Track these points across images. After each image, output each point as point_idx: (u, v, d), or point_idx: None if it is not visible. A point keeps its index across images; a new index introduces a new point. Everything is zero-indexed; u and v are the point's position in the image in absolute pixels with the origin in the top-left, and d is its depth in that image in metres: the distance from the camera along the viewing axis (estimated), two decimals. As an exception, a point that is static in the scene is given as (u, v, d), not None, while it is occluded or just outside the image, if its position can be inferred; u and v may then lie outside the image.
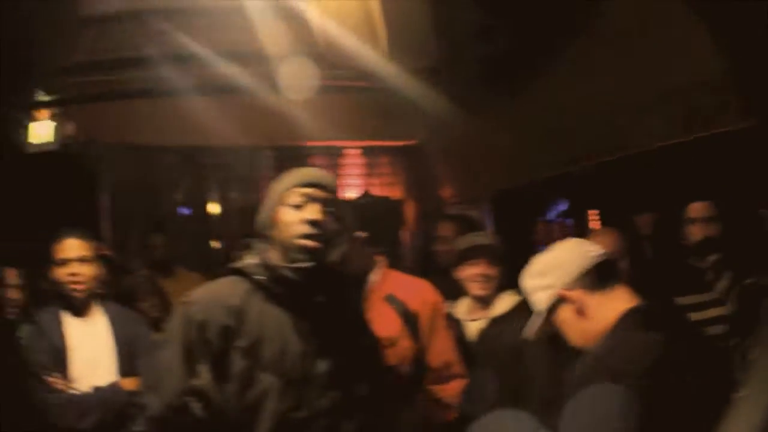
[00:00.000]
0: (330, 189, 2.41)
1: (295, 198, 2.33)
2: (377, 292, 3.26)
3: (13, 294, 3.99)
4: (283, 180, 2.41)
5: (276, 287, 2.30)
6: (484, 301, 3.68)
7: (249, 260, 2.38)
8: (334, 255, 2.38)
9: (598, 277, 2.28)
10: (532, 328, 2.43)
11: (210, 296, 2.29)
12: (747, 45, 1.72)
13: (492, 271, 3.62)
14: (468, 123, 5.76)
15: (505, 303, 3.65)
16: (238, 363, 2.18)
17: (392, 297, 3.24)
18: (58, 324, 3.50)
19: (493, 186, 5.83)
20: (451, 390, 3.21)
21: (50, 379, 3.33)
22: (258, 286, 2.31)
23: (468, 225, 4.85)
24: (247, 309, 2.24)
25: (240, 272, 2.36)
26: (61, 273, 3.53)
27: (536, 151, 4.89)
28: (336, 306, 2.42)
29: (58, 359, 3.40)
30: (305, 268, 2.30)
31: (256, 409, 2.16)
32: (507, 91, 4.99)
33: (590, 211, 7.18)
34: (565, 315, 2.30)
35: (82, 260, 3.55)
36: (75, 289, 3.52)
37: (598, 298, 2.24)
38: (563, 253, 2.39)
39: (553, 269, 2.34)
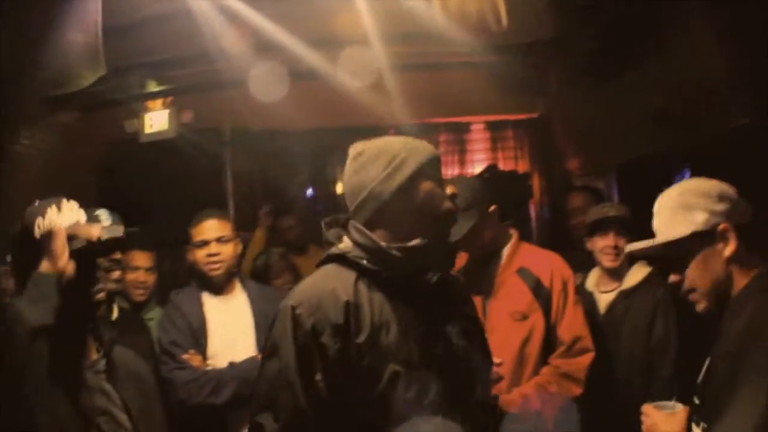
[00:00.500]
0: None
1: (434, 171, 2.09)
2: (509, 266, 3.26)
3: (144, 277, 4.10)
4: (414, 152, 2.07)
5: (388, 270, 2.03)
6: (615, 273, 3.68)
7: (348, 244, 2.10)
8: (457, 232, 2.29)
9: (751, 236, 2.12)
10: (662, 240, 2.18)
11: (317, 295, 1.99)
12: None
13: (622, 242, 3.60)
14: (592, 94, 5.70)
15: (636, 275, 3.65)
16: (359, 360, 1.95)
17: (524, 270, 3.24)
18: (198, 303, 3.57)
19: (618, 157, 5.73)
20: (579, 364, 3.16)
21: (185, 356, 3.41)
22: (365, 272, 2.04)
23: (598, 197, 4.82)
24: (359, 301, 1.99)
25: (341, 259, 2.08)
26: (200, 254, 3.58)
27: (660, 122, 4.79)
28: (445, 286, 2.18)
29: (197, 338, 3.49)
30: (432, 246, 2.06)
31: (383, 401, 1.95)
32: (631, 61, 4.91)
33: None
34: (710, 255, 2.09)
35: (220, 240, 3.58)
36: (214, 269, 3.57)
37: (743, 258, 2.08)
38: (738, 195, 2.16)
39: (732, 202, 2.11)
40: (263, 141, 6.65)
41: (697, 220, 2.08)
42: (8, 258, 3.68)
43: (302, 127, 6.35)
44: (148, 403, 2.41)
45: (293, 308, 1.97)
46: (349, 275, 2.03)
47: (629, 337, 3.53)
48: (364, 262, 2.03)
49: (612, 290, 3.68)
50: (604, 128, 5.78)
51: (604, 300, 3.69)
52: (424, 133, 6.73)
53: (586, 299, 3.68)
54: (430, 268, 2.08)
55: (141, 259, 4.04)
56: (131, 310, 3.95)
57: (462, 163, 6.95)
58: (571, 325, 3.20)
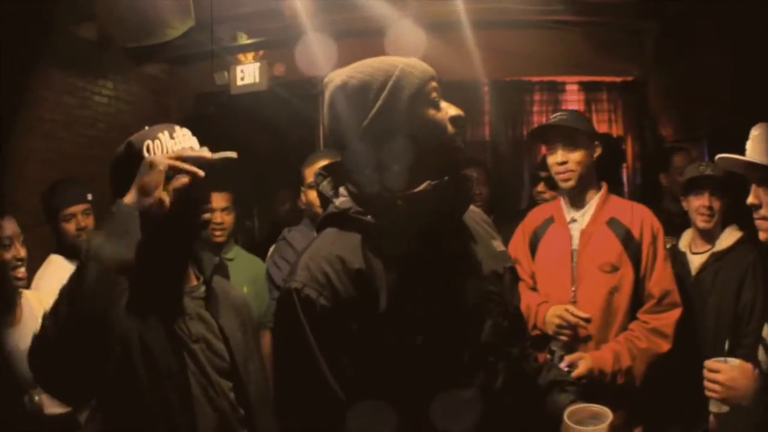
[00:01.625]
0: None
1: (434, 94, 1.77)
2: (599, 216, 3.22)
3: (221, 217, 4.18)
4: (409, 75, 1.74)
5: (395, 226, 1.74)
6: (708, 235, 3.64)
7: (345, 199, 1.80)
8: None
9: None
10: None
11: (322, 268, 1.69)
12: None
13: (717, 203, 3.56)
14: (686, 59, 5.61)
15: (728, 238, 3.60)
16: (381, 332, 1.67)
17: (614, 221, 3.19)
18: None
19: (712, 124, 5.63)
20: (668, 319, 3.13)
21: None
22: (371, 230, 1.74)
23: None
24: (372, 267, 1.71)
25: (342, 218, 1.79)
26: (312, 195, 3.51)
27: (755, 88, 4.69)
28: (465, 231, 1.92)
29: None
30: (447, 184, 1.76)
31: (408, 371, 1.67)
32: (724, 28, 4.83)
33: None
34: None
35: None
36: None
37: None
38: None
39: None
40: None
41: None
42: (89, 197, 3.85)
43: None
44: (245, 336, 2.31)
45: (298, 291, 1.67)
46: (354, 237, 1.74)
47: (718, 299, 3.49)
48: (369, 218, 1.74)
49: (704, 252, 3.63)
50: (698, 94, 5.69)
51: (696, 261, 3.65)
52: (518, 90, 6.76)
53: (678, 260, 3.67)
54: (444, 214, 1.79)
55: (218, 199, 4.09)
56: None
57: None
58: (661, 278, 3.15)
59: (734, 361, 2.33)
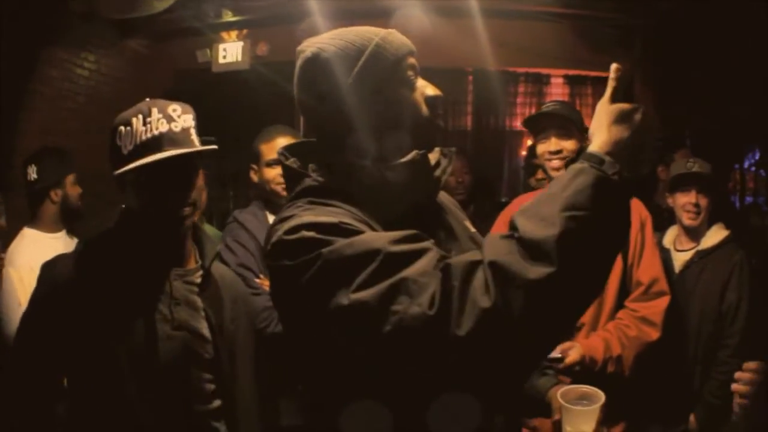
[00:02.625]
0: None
1: (410, 72, 1.67)
2: None
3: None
4: (383, 49, 1.64)
5: (376, 197, 1.60)
6: (693, 233, 3.61)
7: (317, 176, 1.64)
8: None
9: None
10: None
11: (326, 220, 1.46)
12: None
13: (704, 201, 3.52)
14: (675, 58, 5.60)
15: (714, 236, 3.58)
16: None
17: None
18: (265, 223, 3.30)
19: (696, 122, 5.64)
20: (657, 307, 3.09)
21: (257, 280, 3.15)
22: (351, 202, 1.58)
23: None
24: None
25: (320, 192, 1.61)
26: (273, 173, 3.32)
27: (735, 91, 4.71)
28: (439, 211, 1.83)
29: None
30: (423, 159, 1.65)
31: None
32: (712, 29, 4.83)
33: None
34: None
35: None
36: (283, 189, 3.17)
37: None
38: None
39: None
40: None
41: None
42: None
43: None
44: (237, 329, 2.26)
45: (304, 226, 1.44)
46: (336, 211, 1.55)
47: (702, 298, 3.47)
48: (353, 191, 1.60)
49: (689, 249, 3.61)
50: (683, 92, 5.69)
51: (680, 258, 3.62)
52: (503, 81, 6.72)
53: (662, 256, 3.61)
54: (427, 188, 1.72)
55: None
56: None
57: (539, 115, 6.84)
58: (649, 266, 3.13)
59: None
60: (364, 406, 1.48)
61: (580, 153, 1.43)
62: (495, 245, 1.32)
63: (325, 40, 1.67)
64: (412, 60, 1.67)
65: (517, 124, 6.94)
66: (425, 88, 1.68)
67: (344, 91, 1.60)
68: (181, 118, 2.04)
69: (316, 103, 1.65)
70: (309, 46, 1.68)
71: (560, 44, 6.35)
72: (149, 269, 2.08)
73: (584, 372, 2.83)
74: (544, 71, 6.83)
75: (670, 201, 3.67)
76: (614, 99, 1.48)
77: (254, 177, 3.44)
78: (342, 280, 1.34)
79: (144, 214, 2.06)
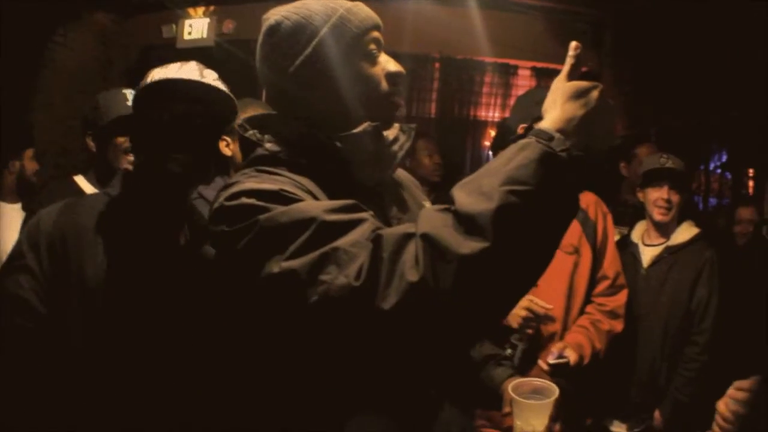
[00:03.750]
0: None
1: (373, 45, 1.63)
2: None
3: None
4: (345, 21, 1.61)
5: (329, 167, 1.58)
6: (663, 228, 3.57)
7: (273, 145, 1.62)
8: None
9: None
10: None
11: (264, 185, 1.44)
12: None
13: (676, 197, 3.49)
14: (644, 54, 5.61)
15: (684, 233, 3.55)
16: None
17: None
18: None
19: (662, 119, 5.66)
20: (620, 300, 3.11)
21: None
22: (299, 171, 1.55)
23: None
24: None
25: (271, 160, 1.59)
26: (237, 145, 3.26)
27: (703, 91, 4.73)
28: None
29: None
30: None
31: None
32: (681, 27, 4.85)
33: (749, 169, 6.91)
34: None
35: None
36: None
37: None
38: None
39: None
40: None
41: None
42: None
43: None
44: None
45: (245, 193, 1.41)
46: (284, 180, 1.50)
47: (671, 294, 3.43)
48: (303, 161, 1.57)
49: (658, 244, 3.56)
50: (650, 89, 5.70)
51: (648, 253, 3.57)
52: (471, 69, 6.67)
53: (629, 250, 3.61)
54: (383, 162, 1.67)
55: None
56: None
57: (504, 106, 6.79)
58: (614, 259, 3.15)
59: None
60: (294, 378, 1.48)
61: (529, 130, 1.36)
62: (430, 218, 1.27)
63: (290, 8, 1.63)
64: (376, 34, 1.64)
65: (482, 113, 6.88)
66: (387, 64, 1.65)
67: (304, 60, 1.58)
68: (216, 82, 2.01)
69: (275, 72, 1.62)
70: (273, 14, 1.65)
71: (529, 36, 6.33)
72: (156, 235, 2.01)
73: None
74: (512, 62, 6.77)
75: (640, 196, 3.62)
76: (571, 77, 1.44)
77: (226, 150, 3.31)
78: (275, 247, 1.31)
79: (150, 167, 1.97)
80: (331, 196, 1.49)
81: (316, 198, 1.46)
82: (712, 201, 7.01)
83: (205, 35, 6.43)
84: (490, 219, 1.18)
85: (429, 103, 6.89)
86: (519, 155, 1.28)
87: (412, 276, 1.19)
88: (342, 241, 1.28)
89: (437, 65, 6.74)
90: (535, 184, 1.23)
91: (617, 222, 3.50)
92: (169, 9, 6.45)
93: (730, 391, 2.21)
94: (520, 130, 3.02)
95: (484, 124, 6.95)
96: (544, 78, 6.72)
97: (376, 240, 1.26)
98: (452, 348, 1.42)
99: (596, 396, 3.20)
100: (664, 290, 3.46)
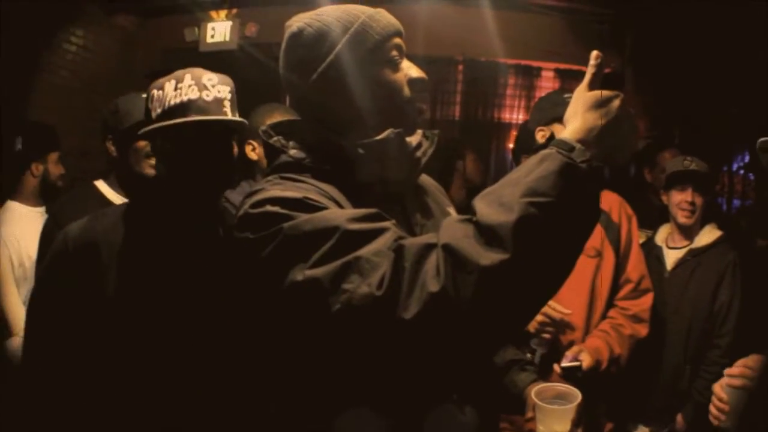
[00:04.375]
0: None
1: (395, 52, 1.64)
2: None
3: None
4: (368, 28, 1.62)
5: (352, 175, 1.60)
6: (687, 231, 3.56)
7: (298, 151, 1.63)
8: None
9: None
10: None
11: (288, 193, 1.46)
12: None
13: (700, 200, 3.47)
14: (666, 56, 5.58)
15: (708, 236, 3.53)
16: None
17: None
18: None
19: (684, 121, 5.63)
20: (645, 304, 3.10)
21: None
22: (327, 179, 1.57)
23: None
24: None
25: (295, 167, 1.61)
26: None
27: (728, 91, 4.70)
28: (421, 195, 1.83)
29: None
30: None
31: None
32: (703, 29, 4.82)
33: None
34: None
35: None
36: None
37: None
38: None
39: None
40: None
41: None
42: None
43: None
44: None
45: (269, 201, 1.43)
46: (308, 187, 1.52)
47: (694, 297, 3.42)
48: (327, 167, 1.58)
49: (682, 247, 3.56)
50: (672, 91, 5.68)
51: (672, 256, 3.57)
52: (494, 71, 6.67)
53: (653, 253, 3.60)
54: (406, 169, 1.69)
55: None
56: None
57: (528, 108, 6.76)
58: (638, 262, 3.14)
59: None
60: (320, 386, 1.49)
61: (551, 140, 1.36)
62: (451, 228, 1.28)
63: (312, 15, 1.65)
64: (398, 40, 1.65)
65: (506, 115, 6.88)
66: (409, 70, 1.66)
67: (326, 67, 1.59)
68: (216, 87, 2.01)
69: (298, 79, 1.63)
70: (296, 21, 1.67)
71: (552, 37, 6.32)
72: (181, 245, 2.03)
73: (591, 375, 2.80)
74: (535, 64, 6.76)
75: (664, 198, 3.61)
76: (592, 86, 1.42)
77: (252, 154, 3.36)
78: (299, 255, 1.33)
79: (170, 185, 2.03)
80: (354, 203, 1.51)
81: (339, 205, 1.48)
82: (736, 202, 6.94)
83: (227, 38, 6.45)
84: (511, 230, 1.19)
85: (453, 105, 6.89)
86: (540, 166, 1.28)
87: (434, 286, 1.20)
88: (364, 251, 1.29)
89: (461, 68, 6.74)
90: (555, 196, 1.23)
91: (643, 224, 3.49)
92: (191, 12, 6.47)
93: (726, 371, 2.24)
94: (538, 132, 3.03)
95: (508, 126, 6.92)
96: (568, 79, 6.70)
97: (398, 250, 1.28)
98: (473, 356, 1.43)
99: (619, 400, 3.18)
100: (687, 293, 3.44)
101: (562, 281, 1.32)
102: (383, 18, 1.65)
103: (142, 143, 2.68)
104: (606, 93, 1.40)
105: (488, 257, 1.19)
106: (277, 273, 1.35)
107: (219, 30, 6.49)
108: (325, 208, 1.41)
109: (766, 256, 4.33)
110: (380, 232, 1.33)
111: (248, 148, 3.35)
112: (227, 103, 2.03)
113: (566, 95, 2.75)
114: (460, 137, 6.40)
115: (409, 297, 1.21)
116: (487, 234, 1.22)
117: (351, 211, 1.40)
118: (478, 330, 1.25)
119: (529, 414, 1.90)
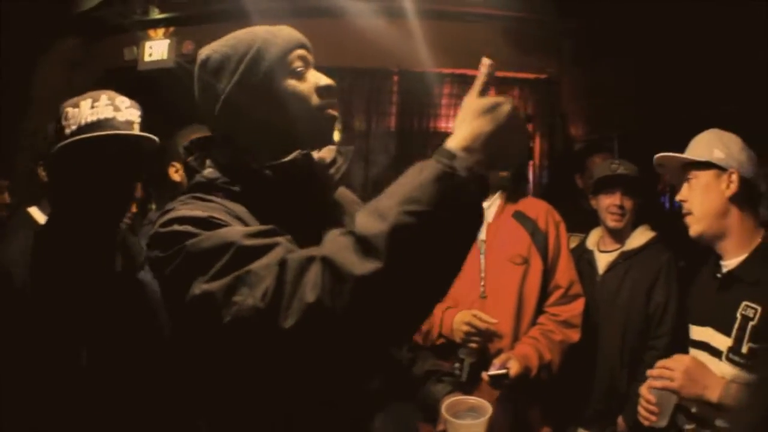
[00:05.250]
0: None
1: (298, 63, 1.68)
2: (505, 209, 3.19)
3: None
4: (269, 44, 1.67)
5: (263, 196, 1.63)
6: (617, 234, 3.57)
7: (212, 171, 1.67)
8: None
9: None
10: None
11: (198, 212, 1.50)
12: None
13: (629, 203, 3.49)
14: (604, 61, 5.63)
15: (639, 237, 3.54)
16: None
17: (520, 213, 3.17)
18: None
19: (621, 126, 5.67)
20: (575, 310, 3.12)
21: None
22: (238, 200, 1.61)
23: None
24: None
25: (208, 187, 1.64)
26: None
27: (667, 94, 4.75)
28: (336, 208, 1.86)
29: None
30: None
31: None
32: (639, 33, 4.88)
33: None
34: (714, 191, 2.48)
35: None
36: None
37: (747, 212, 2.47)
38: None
39: (745, 157, 2.50)
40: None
41: (716, 156, 2.48)
42: None
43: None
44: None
45: (177, 220, 1.46)
46: (215, 206, 1.56)
47: (627, 299, 3.42)
48: (236, 188, 1.61)
49: (613, 250, 3.56)
50: (610, 96, 5.72)
51: (603, 259, 3.58)
52: (430, 81, 6.65)
53: (585, 257, 3.61)
54: (317, 188, 1.71)
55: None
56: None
57: (463, 117, 6.76)
58: (567, 269, 3.17)
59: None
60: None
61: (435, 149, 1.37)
62: (333, 241, 1.30)
63: (221, 42, 1.71)
64: (301, 52, 1.69)
65: (442, 124, 6.87)
66: (317, 78, 1.69)
67: (229, 92, 1.63)
68: (128, 110, 2.15)
69: (207, 105, 1.68)
70: (205, 50, 1.72)
71: (487, 45, 6.29)
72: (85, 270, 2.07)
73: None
74: (471, 72, 6.76)
75: (593, 203, 3.62)
76: (482, 93, 1.44)
77: (175, 176, 3.36)
78: (199, 270, 1.36)
79: (78, 205, 2.10)
80: (263, 222, 1.51)
81: (245, 224, 1.51)
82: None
83: (165, 56, 6.47)
84: (384, 240, 1.20)
85: (389, 116, 6.86)
86: (419, 176, 1.29)
87: (311, 297, 1.22)
88: (255, 265, 1.31)
89: (396, 78, 6.72)
90: (431, 204, 1.23)
91: (575, 229, 3.50)
92: (131, 32, 6.46)
93: (648, 373, 2.38)
94: None
95: (444, 135, 6.86)
96: (503, 87, 6.72)
97: (282, 263, 1.29)
98: (355, 364, 1.41)
99: (556, 404, 3.17)
100: (620, 296, 3.45)
101: (444, 289, 1.33)
102: (284, 32, 1.69)
103: None
104: (493, 99, 1.40)
105: (363, 267, 1.20)
106: (180, 288, 1.38)
107: (157, 48, 6.52)
108: (227, 225, 1.44)
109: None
110: (272, 247, 1.35)
111: (171, 170, 3.33)
112: (136, 126, 2.13)
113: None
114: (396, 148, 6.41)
115: (288, 308, 1.24)
116: (364, 244, 1.23)
117: (247, 228, 1.43)
118: (355, 338, 1.27)
119: (440, 427, 1.92)
